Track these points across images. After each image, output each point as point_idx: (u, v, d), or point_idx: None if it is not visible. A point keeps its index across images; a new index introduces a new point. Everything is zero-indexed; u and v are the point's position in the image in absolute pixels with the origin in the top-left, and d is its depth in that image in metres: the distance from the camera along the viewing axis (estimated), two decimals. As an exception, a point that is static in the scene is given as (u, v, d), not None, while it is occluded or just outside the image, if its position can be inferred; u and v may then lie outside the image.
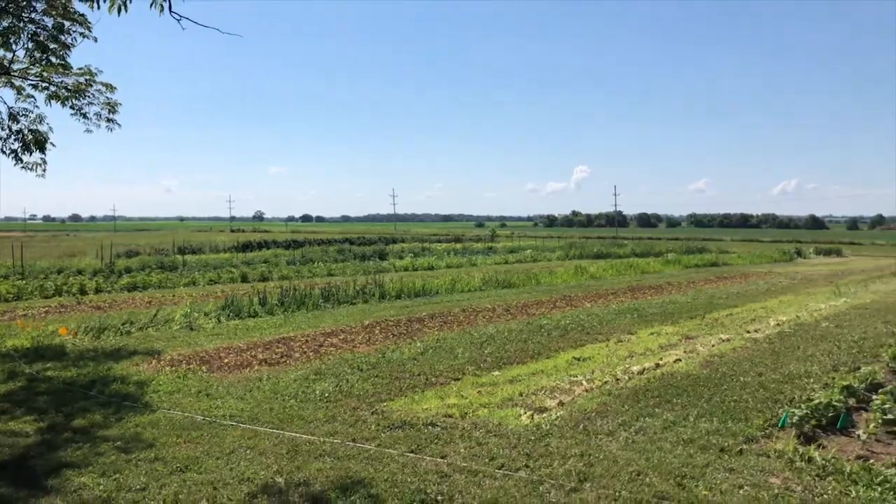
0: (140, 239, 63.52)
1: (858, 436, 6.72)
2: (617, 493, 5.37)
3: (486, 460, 6.12)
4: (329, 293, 16.73)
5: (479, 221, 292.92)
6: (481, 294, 19.61)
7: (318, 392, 8.44)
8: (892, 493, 5.37)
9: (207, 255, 38.50)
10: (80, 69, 12.48)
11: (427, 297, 18.34)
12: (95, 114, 12.72)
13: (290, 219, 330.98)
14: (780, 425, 6.95)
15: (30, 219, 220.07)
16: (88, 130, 12.85)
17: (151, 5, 6.82)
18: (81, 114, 12.64)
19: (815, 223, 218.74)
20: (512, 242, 57.73)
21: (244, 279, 23.13)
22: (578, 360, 10.54)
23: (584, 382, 9.04)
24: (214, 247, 47.36)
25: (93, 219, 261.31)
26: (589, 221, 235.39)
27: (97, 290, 19.69)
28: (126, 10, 7.03)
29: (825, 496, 5.34)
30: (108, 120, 12.91)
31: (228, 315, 14.35)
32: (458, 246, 46.49)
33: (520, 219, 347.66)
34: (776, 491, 5.42)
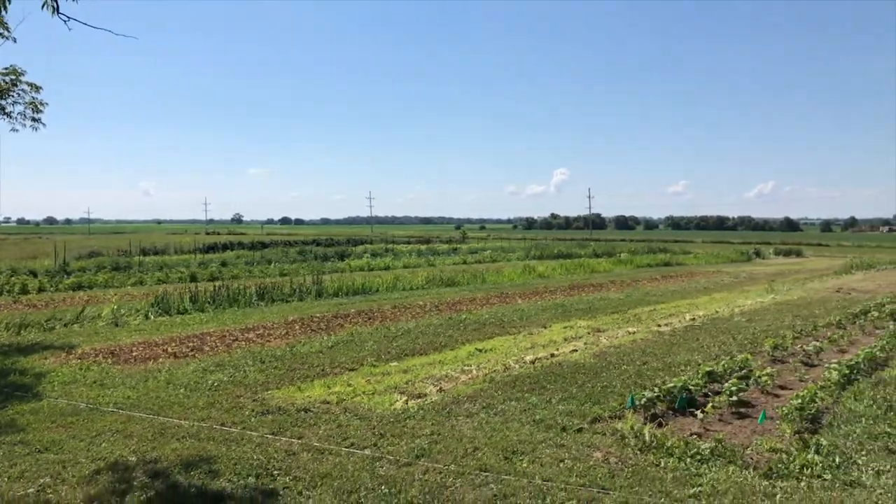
0: (112, 241, 63.09)
1: (697, 415, 7.17)
2: (445, 467, 5.76)
3: (339, 440, 6.48)
4: (264, 292, 17.01)
5: (459, 224, 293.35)
6: (421, 292, 19.98)
7: (210, 382, 8.75)
8: (696, 462, 5.82)
9: (170, 257, 38.53)
10: (6, 69, 12.69)
11: (365, 295, 18.68)
12: (20, 113, 12.91)
13: (270, 221, 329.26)
14: (628, 406, 7.38)
15: (3, 221, 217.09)
16: (14, 129, 13.04)
17: (43, 6, 7.14)
18: (5, 113, 12.83)
19: (789, 225, 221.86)
20: (481, 244, 58.18)
21: (193, 279, 23.28)
22: (481, 351, 10.95)
23: (473, 371, 9.44)
24: (179, 248, 47.30)
25: (68, 221, 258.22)
26: (567, 224, 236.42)
27: (39, 290, 19.80)
28: (6, 10, 7.30)
29: (635, 466, 5.77)
30: (33, 119, 13.10)
31: (157, 312, 14.59)
32: (424, 247, 46.86)
33: (500, 221, 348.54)
34: (591, 463, 5.84)
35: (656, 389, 7.70)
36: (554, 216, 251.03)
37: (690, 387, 7.97)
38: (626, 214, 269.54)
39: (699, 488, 5.29)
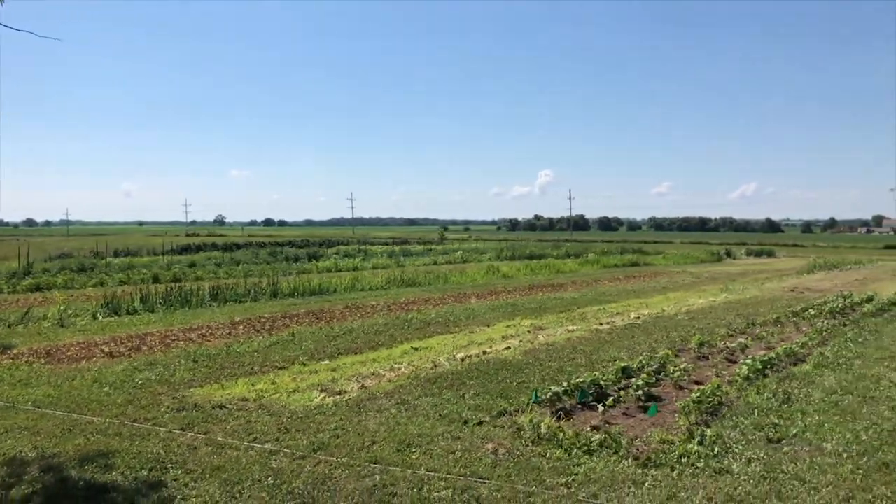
0: (88, 243, 62.60)
1: (598, 409, 7.39)
2: (337, 460, 5.93)
3: (244, 435, 6.63)
4: (218, 292, 17.10)
5: (444, 225, 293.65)
6: (380, 292, 20.15)
7: (137, 380, 8.87)
8: (580, 453, 6.03)
9: (141, 258, 38.43)
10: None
11: (321, 296, 18.82)
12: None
13: (253, 223, 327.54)
14: (532, 401, 7.59)
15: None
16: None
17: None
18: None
19: (770, 226, 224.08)
20: (457, 245, 58.51)
21: (156, 280, 23.28)
22: (416, 349, 11.13)
23: (402, 369, 9.61)
24: (152, 250, 47.18)
25: (48, 223, 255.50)
26: (551, 225, 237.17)
27: (-3, 291, 19.74)
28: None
29: (521, 457, 5.98)
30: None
31: (106, 313, 14.64)
32: (398, 248, 47.01)
33: (485, 223, 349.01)
34: (480, 454, 6.04)
35: (565, 384, 7.91)
36: (538, 217, 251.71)
37: (601, 382, 8.21)
38: (610, 216, 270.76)
39: (573, 477, 5.50)
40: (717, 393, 7.75)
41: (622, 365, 8.95)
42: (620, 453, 6.04)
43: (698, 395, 7.48)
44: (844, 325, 13.44)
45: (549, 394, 7.61)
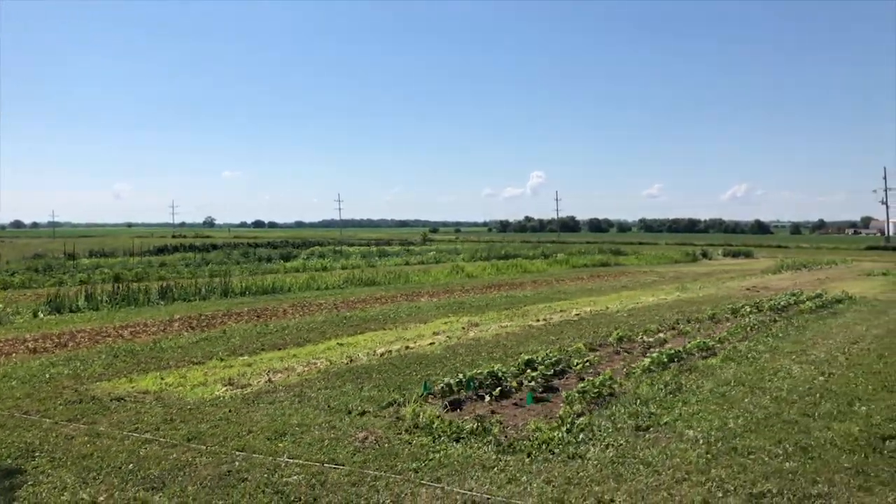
0: (70, 244, 62.52)
1: (486, 399, 7.54)
2: (207, 448, 6.05)
3: (128, 426, 6.74)
4: (167, 291, 17.17)
5: (434, 227, 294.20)
6: (334, 291, 20.27)
7: (47, 375, 8.96)
8: (447, 440, 6.17)
9: (115, 259, 38.49)
10: None
11: (273, 295, 18.92)
12: None
13: (243, 224, 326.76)
14: (423, 392, 7.73)
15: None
16: None
17: None
18: None
19: (759, 227, 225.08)
20: (441, 246, 58.76)
21: (117, 279, 23.27)
22: (341, 345, 11.26)
23: (318, 364, 9.74)
24: (129, 251, 47.19)
25: (35, 225, 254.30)
26: (541, 226, 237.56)
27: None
28: None
29: (387, 444, 6.10)
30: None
31: (48, 311, 14.70)
32: (375, 249, 47.11)
33: (476, 224, 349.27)
34: (348, 442, 6.17)
35: (460, 376, 8.05)
36: (528, 219, 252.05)
37: (500, 374, 8.35)
38: (601, 217, 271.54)
39: (426, 462, 5.64)
40: (606, 383, 7.91)
41: (527, 358, 9.10)
42: (486, 440, 6.18)
43: (585, 385, 7.64)
44: (775, 321, 13.64)
45: (441, 385, 7.74)
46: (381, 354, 10.34)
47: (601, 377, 8.08)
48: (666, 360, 9.38)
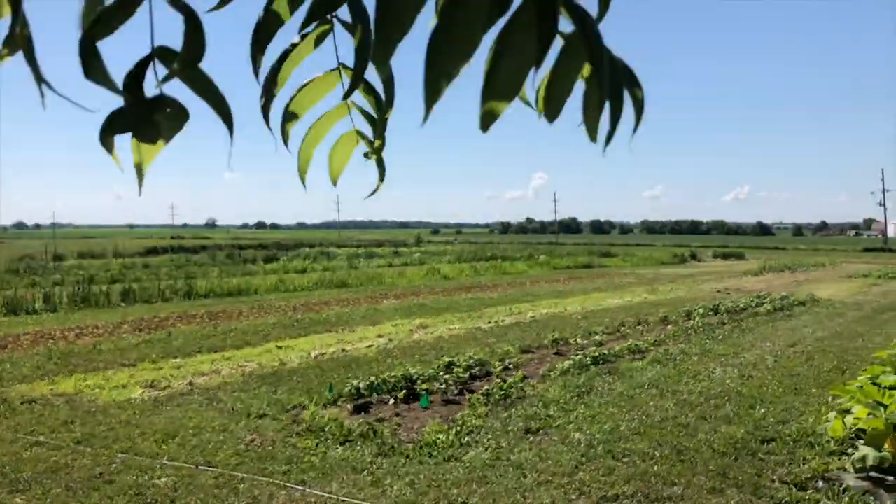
0: (65, 246, 62.91)
1: (390, 402, 7.58)
2: (92, 451, 6.10)
3: (25, 427, 6.81)
4: (128, 293, 17.27)
5: (436, 228, 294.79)
6: (301, 294, 20.35)
7: (-28, 376, 9.02)
8: (332, 443, 6.21)
9: (105, 260, 38.72)
10: None
11: (238, 297, 19.00)
12: None
13: (245, 226, 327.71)
14: (329, 395, 7.77)
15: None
16: None
17: None
18: None
19: (762, 229, 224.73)
20: (433, 248, 58.86)
21: (91, 281, 23.37)
22: (280, 347, 11.31)
23: (246, 366, 9.79)
24: (119, 252, 47.35)
25: (37, 226, 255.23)
26: (543, 228, 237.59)
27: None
28: None
29: (270, 446, 6.15)
30: None
31: (4, 312, 14.79)
32: (362, 251, 47.18)
33: (478, 226, 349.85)
34: (231, 444, 6.21)
35: (372, 378, 8.09)
36: (529, 220, 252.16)
37: (415, 376, 8.38)
38: (602, 219, 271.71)
39: (299, 465, 5.69)
40: (516, 386, 7.95)
41: (448, 360, 9.14)
42: (373, 443, 6.22)
43: (492, 387, 7.68)
44: (724, 324, 13.65)
45: (348, 388, 7.79)
46: (315, 357, 10.39)
47: (511, 380, 8.14)
48: (589, 362, 9.41)
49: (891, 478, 5.30)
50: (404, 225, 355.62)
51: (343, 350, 10.94)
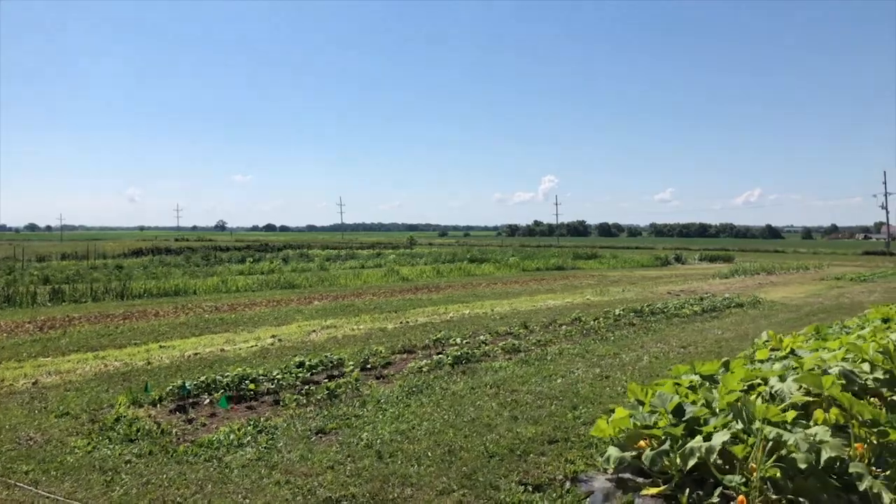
0: (60, 247, 63.59)
1: (206, 401, 7.47)
2: None
3: None
4: (57, 293, 17.29)
5: (444, 231, 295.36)
6: (241, 294, 20.31)
7: None
8: (120, 442, 6.10)
9: (84, 262, 38.97)
10: None
11: (174, 297, 18.99)
12: None
13: (255, 228, 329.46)
14: (146, 391, 7.67)
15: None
16: None
17: None
18: None
19: (770, 232, 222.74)
20: (427, 250, 58.84)
21: (46, 281, 23.51)
22: (163, 347, 11.24)
23: (111, 366, 9.73)
24: (103, 254, 47.75)
25: (48, 228, 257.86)
26: (550, 231, 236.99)
27: None
28: None
29: (45, 444, 6.06)
30: None
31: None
32: (344, 252, 47.17)
33: (486, 228, 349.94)
34: (10, 441, 6.12)
35: (202, 378, 8.00)
36: (537, 223, 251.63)
37: (252, 376, 8.27)
38: (611, 222, 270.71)
39: (54, 463, 5.59)
40: (347, 386, 7.83)
41: (299, 360, 9.04)
42: (154, 442, 6.11)
43: (318, 387, 7.56)
44: (632, 324, 13.46)
45: (170, 387, 7.69)
46: (187, 357, 10.30)
47: (345, 378, 8.01)
48: (451, 361, 9.27)
49: (640, 479, 5.13)
50: (413, 228, 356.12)
51: (222, 350, 10.85)
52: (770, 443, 4.52)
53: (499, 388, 8.14)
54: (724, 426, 4.76)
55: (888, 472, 4.83)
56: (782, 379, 5.86)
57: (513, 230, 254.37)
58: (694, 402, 5.40)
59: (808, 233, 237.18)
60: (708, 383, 6.20)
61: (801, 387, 5.65)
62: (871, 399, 6.78)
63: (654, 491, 4.84)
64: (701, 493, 4.71)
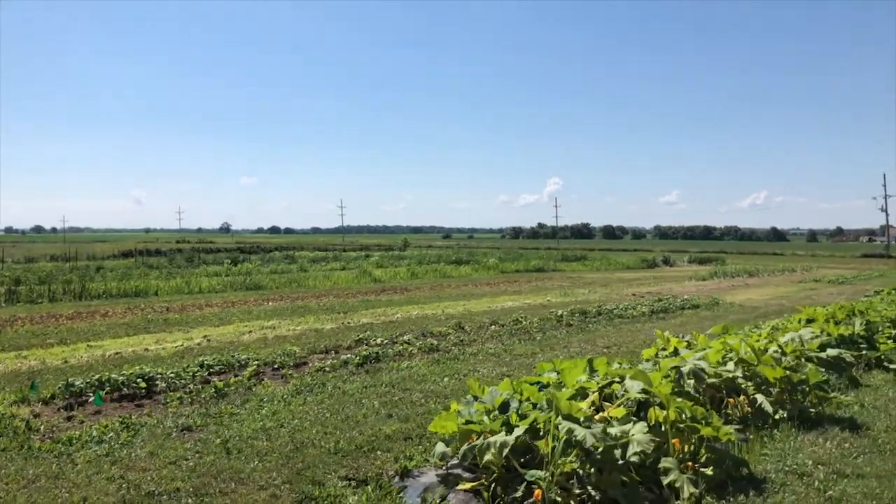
0: (56, 249, 64.12)
1: (91, 399, 7.56)
2: None
3: None
4: (13, 293, 17.46)
5: (448, 233, 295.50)
6: (203, 295, 20.47)
7: None
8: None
9: (70, 263, 39.25)
10: None
11: (132, 298, 19.17)
12: None
13: (260, 230, 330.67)
14: (31, 389, 7.76)
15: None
16: None
17: None
18: None
19: (776, 235, 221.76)
20: (418, 252, 58.96)
21: (17, 283, 23.69)
22: (91, 347, 11.38)
23: (24, 364, 9.87)
24: (91, 255, 48.09)
25: (54, 230, 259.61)
26: (554, 233, 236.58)
27: None
28: None
29: None
30: None
31: None
32: (330, 255, 47.31)
33: (491, 231, 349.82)
34: None
35: (97, 376, 8.09)
36: (541, 225, 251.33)
37: (153, 374, 8.36)
38: (616, 224, 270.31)
39: None
40: (240, 384, 7.92)
41: (201, 360, 9.13)
42: (16, 438, 6.20)
43: (199, 386, 7.64)
44: (570, 325, 13.49)
45: (59, 386, 7.79)
46: (109, 357, 10.40)
47: (237, 378, 8.09)
48: (359, 360, 9.34)
49: (468, 473, 5.17)
50: (418, 230, 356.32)
51: (146, 350, 10.94)
52: (566, 438, 4.57)
53: (393, 387, 8.19)
54: (529, 422, 4.81)
55: (697, 466, 4.89)
56: (633, 377, 5.92)
57: (517, 232, 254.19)
58: (529, 400, 5.45)
59: (813, 235, 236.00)
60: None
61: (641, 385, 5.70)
62: (740, 398, 6.83)
63: (467, 486, 4.89)
64: (509, 487, 4.76)
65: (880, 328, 10.13)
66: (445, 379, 8.61)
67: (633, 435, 4.87)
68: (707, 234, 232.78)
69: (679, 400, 5.40)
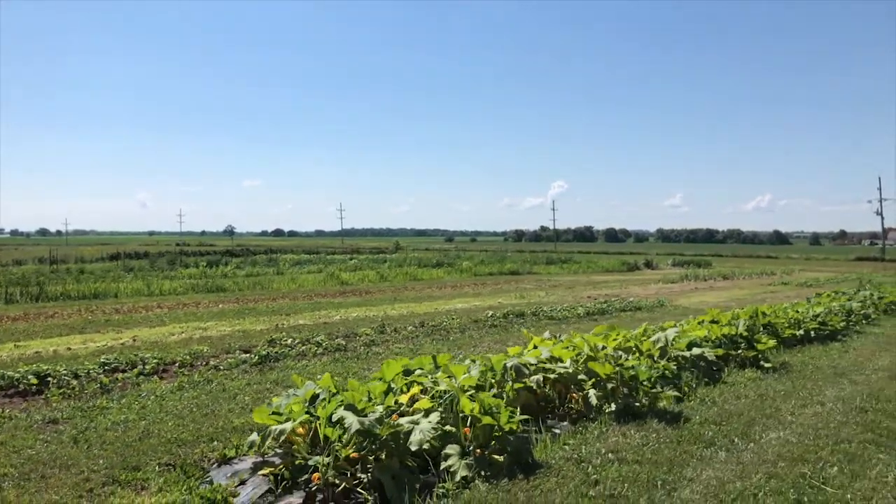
0: (47, 252, 64.95)
1: (-18, 394, 8.00)
2: None
3: None
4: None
5: (450, 236, 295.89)
6: (161, 297, 20.97)
7: None
8: None
9: (58, 265, 39.82)
10: None
11: (93, 299, 19.66)
12: None
13: (264, 233, 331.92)
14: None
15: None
16: None
17: None
18: None
19: (778, 238, 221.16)
20: (404, 255, 59.37)
21: (-9, 285, 24.23)
22: (18, 346, 11.84)
23: (-50, 361, 10.27)
24: (80, 258, 48.70)
25: (59, 233, 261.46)
26: (557, 236, 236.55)
27: None
28: None
29: None
30: None
31: None
32: (314, 257, 47.82)
33: (494, 233, 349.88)
34: None
35: (-7, 373, 8.53)
36: (544, 228, 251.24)
37: (44, 372, 8.79)
38: (619, 227, 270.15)
39: None
40: (121, 382, 8.33)
41: (103, 359, 9.56)
42: None
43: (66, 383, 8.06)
44: (494, 326, 13.86)
45: (-45, 380, 8.23)
46: (28, 356, 10.83)
47: (124, 375, 8.51)
48: (256, 360, 9.76)
49: (279, 460, 5.56)
50: (421, 233, 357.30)
51: (68, 349, 11.39)
52: (347, 426, 4.97)
53: (277, 384, 8.60)
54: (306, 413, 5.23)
55: (488, 453, 5.31)
56: (444, 372, 6.37)
57: (520, 235, 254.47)
58: (346, 391, 5.85)
59: (816, 238, 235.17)
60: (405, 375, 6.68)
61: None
62: (580, 393, 7.21)
63: (266, 471, 5.29)
64: (302, 471, 5.16)
65: (761, 329, 10.49)
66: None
67: (419, 424, 5.28)
68: (710, 236, 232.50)
69: (484, 393, 5.80)
